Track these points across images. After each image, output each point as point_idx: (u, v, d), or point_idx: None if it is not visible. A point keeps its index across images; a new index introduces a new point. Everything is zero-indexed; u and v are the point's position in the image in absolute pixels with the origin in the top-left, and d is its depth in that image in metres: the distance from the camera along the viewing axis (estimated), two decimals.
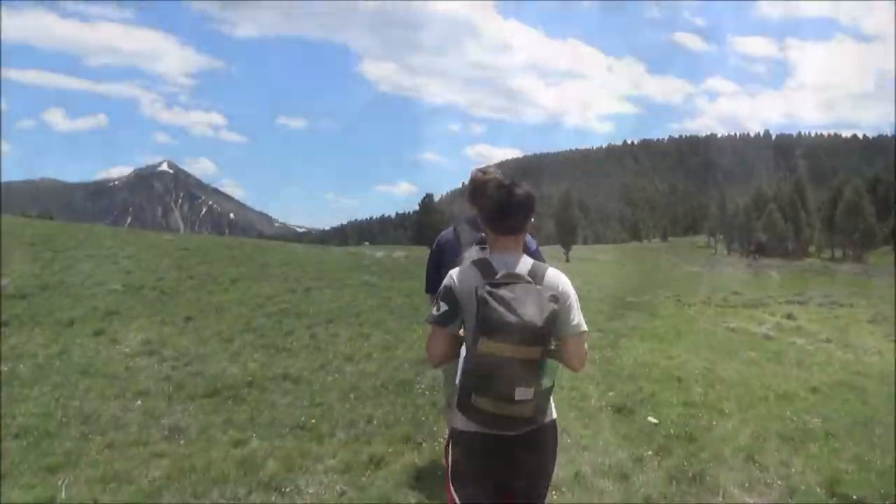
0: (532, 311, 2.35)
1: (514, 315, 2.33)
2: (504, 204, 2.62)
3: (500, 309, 2.34)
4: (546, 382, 2.48)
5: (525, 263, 2.62)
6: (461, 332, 2.60)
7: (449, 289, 2.57)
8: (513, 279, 2.48)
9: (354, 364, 7.81)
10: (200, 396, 6.15)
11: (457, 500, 2.60)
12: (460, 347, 2.60)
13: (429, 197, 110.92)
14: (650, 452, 5.22)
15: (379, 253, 35.25)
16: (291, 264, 16.97)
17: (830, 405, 7.60)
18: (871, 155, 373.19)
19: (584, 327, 2.58)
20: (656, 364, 8.77)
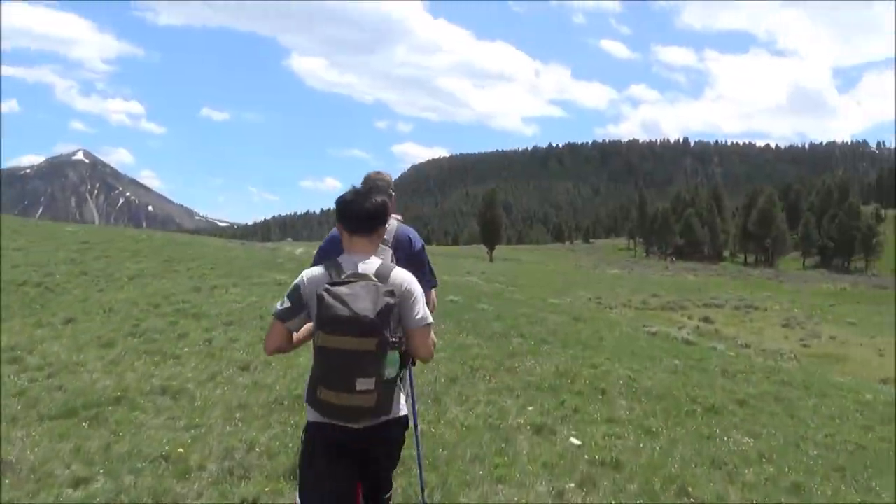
0: (364, 305, 2.50)
1: (347, 309, 2.48)
2: (358, 208, 2.79)
3: (335, 304, 2.49)
4: (389, 373, 2.60)
5: (373, 264, 2.79)
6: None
7: (297, 287, 2.73)
8: (356, 278, 2.65)
9: (250, 374, 6.95)
10: (53, 417, 5.20)
11: (302, 488, 2.74)
12: (293, 343, 2.81)
13: None
14: (573, 485, 4.57)
15: (299, 249, 34.06)
16: (201, 260, 15.86)
17: (759, 420, 7.18)
18: (783, 164, 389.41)
19: (429, 320, 2.79)
20: (579, 374, 8.19)
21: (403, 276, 2.79)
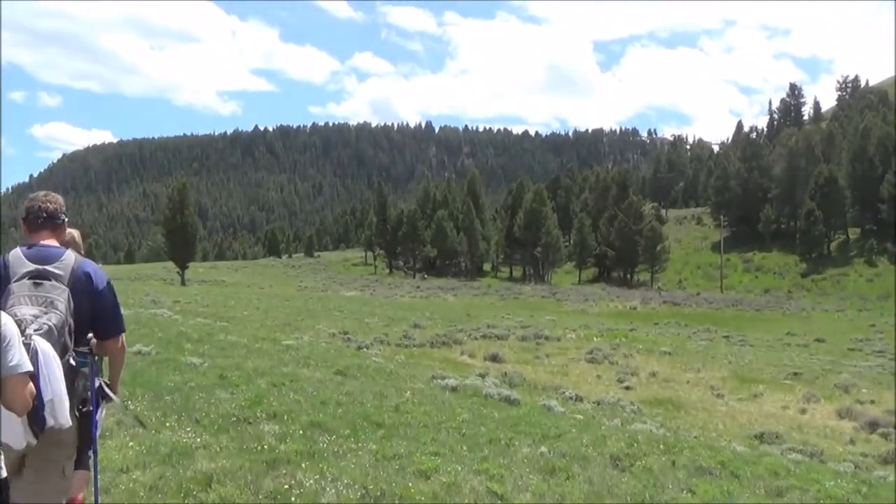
0: None
1: None
2: None
3: None
4: None
5: None
6: None
7: None
8: None
9: None
10: None
11: None
12: None
13: None
14: None
15: None
16: None
17: None
18: (544, 154, 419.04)
19: (26, 368, 3.14)
20: (407, 497, 5.78)
21: None
